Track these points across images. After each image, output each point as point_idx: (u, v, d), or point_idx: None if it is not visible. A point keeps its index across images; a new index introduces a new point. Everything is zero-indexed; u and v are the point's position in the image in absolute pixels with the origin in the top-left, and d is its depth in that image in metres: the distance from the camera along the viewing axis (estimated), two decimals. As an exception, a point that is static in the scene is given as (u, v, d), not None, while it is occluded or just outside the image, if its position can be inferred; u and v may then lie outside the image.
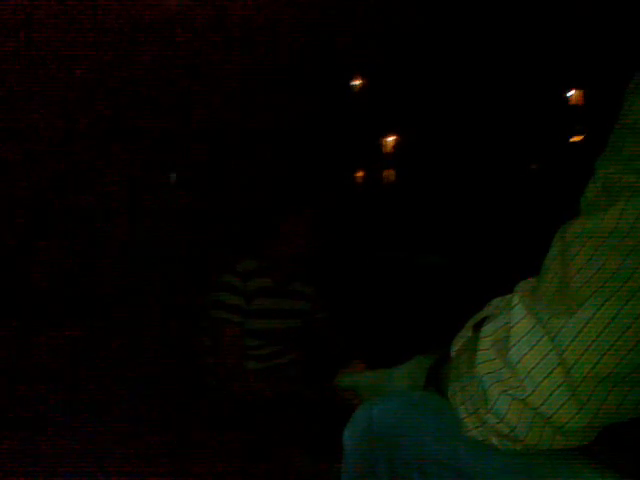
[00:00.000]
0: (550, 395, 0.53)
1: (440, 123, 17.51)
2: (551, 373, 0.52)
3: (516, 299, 0.57)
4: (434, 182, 16.44)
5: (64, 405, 2.32)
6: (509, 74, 16.41)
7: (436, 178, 16.68)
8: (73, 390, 2.51)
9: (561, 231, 0.56)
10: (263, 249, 1.95)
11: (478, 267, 5.92)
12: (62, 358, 2.96)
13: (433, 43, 16.35)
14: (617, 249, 0.51)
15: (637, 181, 0.51)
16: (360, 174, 21.46)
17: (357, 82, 20.17)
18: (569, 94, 18.89)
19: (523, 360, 0.54)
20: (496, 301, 0.69)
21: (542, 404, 0.53)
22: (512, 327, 0.56)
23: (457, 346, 0.72)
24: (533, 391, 0.53)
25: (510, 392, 0.55)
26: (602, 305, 0.51)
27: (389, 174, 21.61)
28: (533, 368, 0.53)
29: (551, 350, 0.53)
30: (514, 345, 0.55)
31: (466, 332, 0.72)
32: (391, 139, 21.58)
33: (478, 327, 0.65)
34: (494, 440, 0.60)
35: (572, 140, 17.96)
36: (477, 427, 0.61)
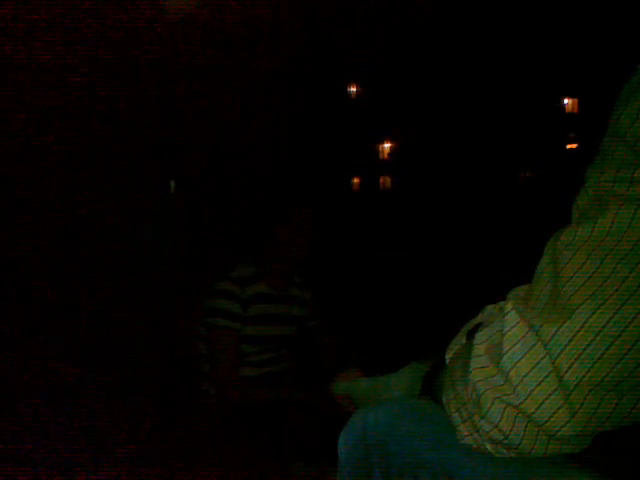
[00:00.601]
0: (543, 401, 0.53)
1: (437, 128, 17.57)
2: (544, 379, 0.53)
3: (509, 306, 0.58)
4: (430, 188, 16.49)
5: (57, 413, 2.31)
6: (504, 82, 16.49)
7: (432, 184, 16.73)
8: (67, 397, 2.49)
9: (553, 239, 0.57)
10: (260, 254, 1.96)
11: (470, 273, 5.93)
12: (56, 364, 2.95)
13: (431, 50, 16.42)
14: (609, 257, 0.51)
15: (628, 190, 0.52)
16: (357, 179, 21.51)
17: (355, 86, 20.25)
18: (562, 102, 18.99)
19: (516, 367, 0.54)
20: (490, 308, 0.69)
21: (535, 410, 0.53)
22: (505, 334, 0.56)
23: (451, 353, 0.72)
24: (526, 397, 0.54)
25: (504, 398, 0.55)
26: (594, 312, 0.51)
27: (386, 180, 21.66)
28: (526, 375, 0.54)
29: (544, 357, 0.53)
30: (507, 352, 0.55)
31: (460, 339, 0.72)
32: (388, 145, 21.64)
33: (472, 334, 0.65)
34: (488, 447, 0.60)
35: (564, 148, 18.04)
36: (471, 434, 0.61)
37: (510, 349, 0.55)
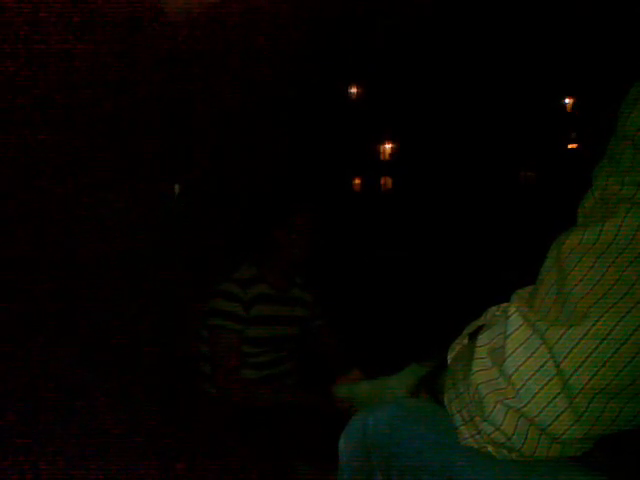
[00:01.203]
0: (546, 406, 0.53)
1: (438, 129, 17.57)
2: (547, 384, 0.52)
3: (512, 308, 0.57)
4: (431, 188, 16.48)
5: (58, 412, 2.31)
6: (506, 82, 16.48)
7: (433, 184, 16.72)
8: (68, 397, 2.49)
9: (558, 241, 0.56)
10: (261, 256, 1.95)
11: (471, 274, 5.92)
12: (57, 364, 2.95)
13: (431, 50, 16.43)
14: (616, 261, 0.51)
15: (636, 193, 0.51)
16: (358, 179, 21.51)
17: (355, 87, 20.25)
18: (566, 102, 18.95)
19: (519, 370, 0.54)
20: (492, 309, 0.69)
21: (538, 414, 0.53)
22: (508, 337, 0.56)
23: (453, 354, 0.72)
24: (529, 401, 0.53)
25: (506, 402, 0.55)
26: (601, 317, 0.51)
27: (387, 180, 21.66)
28: (529, 378, 0.53)
29: (548, 360, 0.52)
30: (510, 355, 0.55)
31: (462, 340, 0.72)
32: (389, 145, 21.63)
33: (474, 335, 0.65)
34: (490, 449, 0.60)
35: (569, 148, 18.02)
36: (473, 435, 0.61)
37: (513, 352, 0.55)
